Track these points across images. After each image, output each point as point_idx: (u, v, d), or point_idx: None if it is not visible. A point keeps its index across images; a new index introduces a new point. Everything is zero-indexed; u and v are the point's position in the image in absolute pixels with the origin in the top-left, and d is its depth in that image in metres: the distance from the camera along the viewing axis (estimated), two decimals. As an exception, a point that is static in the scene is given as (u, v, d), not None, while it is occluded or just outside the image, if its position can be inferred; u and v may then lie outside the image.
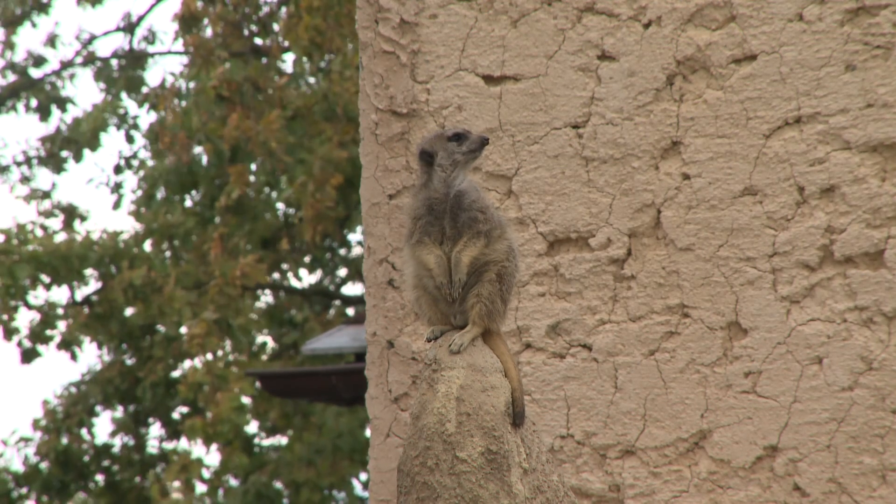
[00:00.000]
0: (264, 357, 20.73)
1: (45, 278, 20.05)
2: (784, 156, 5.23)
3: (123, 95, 21.39)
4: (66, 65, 21.69)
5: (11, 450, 21.42)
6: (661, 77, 5.35)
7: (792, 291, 5.22)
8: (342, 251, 21.89)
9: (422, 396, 4.04)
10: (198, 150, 19.23)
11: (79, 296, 20.67)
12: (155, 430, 22.04)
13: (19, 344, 20.32)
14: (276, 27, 18.30)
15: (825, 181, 5.20)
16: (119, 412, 21.75)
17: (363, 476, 19.98)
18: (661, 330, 5.33)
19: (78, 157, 21.65)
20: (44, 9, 21.20)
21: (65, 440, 21.10)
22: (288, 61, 19.32)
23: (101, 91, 21.30)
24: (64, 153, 21.68)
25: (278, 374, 16.70)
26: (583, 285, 5.41)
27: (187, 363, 20.57)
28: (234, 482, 20.36)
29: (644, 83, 5.36)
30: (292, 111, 17.75)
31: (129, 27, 21.36)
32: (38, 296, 20.42)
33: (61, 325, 20.55)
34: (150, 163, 21.14)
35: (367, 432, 5.75)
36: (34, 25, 21.47)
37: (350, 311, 20.83)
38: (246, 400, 18.77)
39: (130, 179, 21.93)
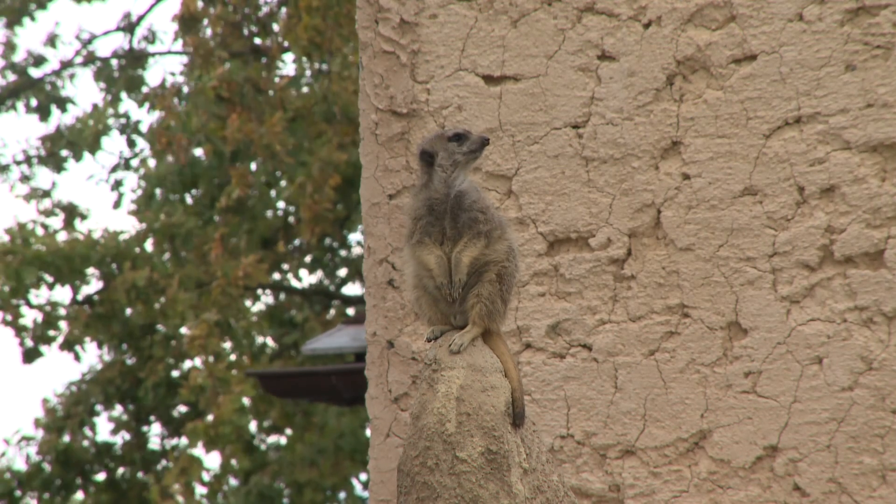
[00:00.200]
0: (265, 358, 20.73)
1: (49, 278, 20.08)
2: (784, 156, 5.23)
3: (123, 95, 21.39)
4: (66, 65, 21.70)
5: (14, 449, 21.44)
6: (661, 77, 5.35)
7: (792, 291, 5.22)
8: (342, 251, 21.90)
9: (422, 396, 4.04)
10: (198, 151, 19.23)
11: (80, 296, 20.68)
12: (156, 428, 22.06)
13: (21, 343, 20.34)
14: (276, 27, 18.30)
15: (825, 181, 5.20)
16: (119, 412, 21.75)
17: (363, 476, 19.99)
18: (661, 330, 5.33)
19: (78, 157, 21.65)
20: (42, 4, 21.20)
21: (66, 438, 21.12)
22: (288, 62, 19.34)
23: (100, 90, 21.31)
24: (64, 152, 21.69)
25: (278, 374, 16.69)
26: (583, 285, 5.41)
27: (188, 364, 20.59)
28: (233, 482, 20.37)
29: (644, 83, 5.36)
30: (292, 112, 17.75)
31: (129, 27, 21.36)
32: (39, 295, 20.44)
33: (63, 326, 20.56)
34: (150, 162, 21.14)
35: (368, 432, 5.75)
36: (33, 19, 21.45)
37: (350, 311, 20.83)
38: (245, 401, 18.78)
39: (131, 178, 21.92)
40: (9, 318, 20.00)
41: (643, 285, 5.35)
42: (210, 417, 17.92)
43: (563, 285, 5.43)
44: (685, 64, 5.33)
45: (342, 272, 22.06)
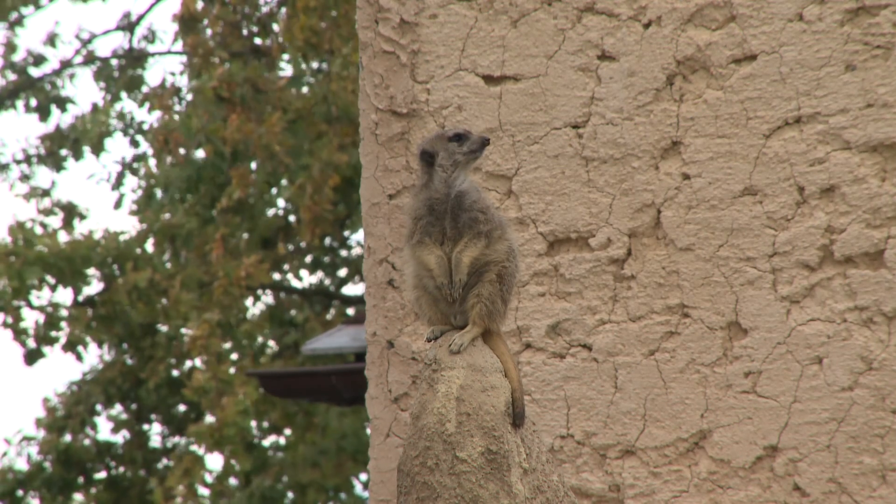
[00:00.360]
0: (265, 359, 20.74)
1: (51, 279, 20.10)
2: (784, 156, 5.23)
3: (123, 95, 21.39)
4: (65, 64, 21.69)
5: (15, 449, 21.45)
6: (661, 77, 5.35)
7: (792, 291, 5.22)
8: (342, 251, 21.90)
9: (422, 396, 4.04)
10: (199, 152, 19.23)
11: (82, 297, 20.69)
12: (157, 427, 22.07)
13: (23, 345, 20.35)
14: (276, 27, 18.29)
15: (825, 181, 5.20)
16: (119, 412, 21.75)
17: (364, 476, 19.98)
18: (661, 330, 5.33)
19: (78, 156, 21.65)
20: (36, 4, 21.21)
21: (68, 437, 21.12)
22: (286, 62, 19.34)
23: (100, 90, 21.31)
24: (63, 151, 21.69)
25: (279, 374, 16.69)
26: (583, 285, 5.41)
27: (188, 364, 20.59)
28: (233, 481, 20.36)
29: (644, 83, 5.36)
30: (292, 113, 17.75)
31: (129, 26, 21.35)
32: (41, 296, 20.45)
33: (65, 327, 20.57)
34: (151, 162, 21.14)
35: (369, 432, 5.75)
36: (21, 18, 21.44)
37: (350, 311, 20.83)
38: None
39: (131, 178, 21.92)
40: (10, 320, 20.02)
41: (643, 285, 5.35)
42: (211, 419, 17.93)
43: (563, 285, 5.43)
44: (685, 64, 5.33)
45: (342, 272, 22.07)
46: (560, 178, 5.44)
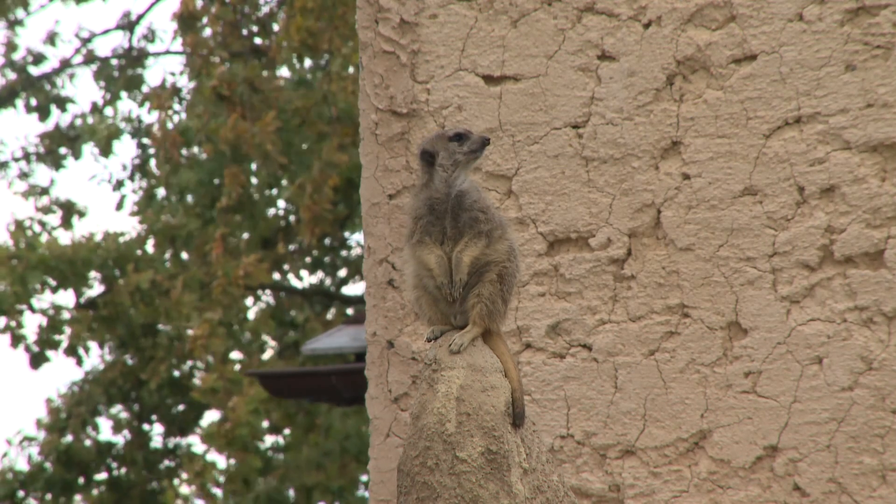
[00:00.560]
0: (271, 360, 20.74)
1: (52, 282, 20.12)
2: (784, 156, 5.24)
3: (123, 95, 21.39)
4: (65, 64, 21.69)
5: (16, 450, 21.45)
6: (661, 77, 5.35)
7: (792, 291, 5.22)
8: (342, 251, 21.90)
9: (422, 396, 4.04)
10: (199, 152, 19.23)
11: (83, 299, 20.70)
12: (158, 427, 22.07)
13: (27, 349, 20.37)
14: (275, 27, 18.29)
15: (825, 181, 5.20)
16: (120, 413, 21.75)
17: (363, 477, 19.98)
18: (661, 330, 5.33)
19: (77, 155, 21.66)
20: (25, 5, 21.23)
21: (69, 437, 21.12)
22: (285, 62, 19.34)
23: (100, 88, 21.30)
24: (62, 150, 21.70)
25: (278, 374, 16.70)
26: (583, 285, 5.41)
27: (189, 363, 20.59)
28: (220, 479, 20.38)
29: (644, 83, 5.36)
30: (291, 112, 17.74)
31: (129, 25, 21.35)
32: (42, 299, 20.47)
33: (68, 330, 20.58)
34: (151, 162, 21.14)
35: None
36: (20, 19, 21.45)
37: (350, 311, 20.83)
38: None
39: (141, 181, 21.92)
40: (13, 324, 20.05)
41: (643, 285, 5.35)
42: (216, 418, 17.95)
43: (563, 285, 5.43)
44: (685, 64, 5.33)
45: (342, 272, 22.07)
46: (560, 178, 5.44)
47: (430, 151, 4.14)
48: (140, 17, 21.42)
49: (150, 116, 20.93)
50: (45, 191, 21.84)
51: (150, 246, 20.59)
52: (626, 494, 5.34)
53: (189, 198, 20.09)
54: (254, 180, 19.37)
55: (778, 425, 5.21)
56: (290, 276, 21.88)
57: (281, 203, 20.43)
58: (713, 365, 5.28)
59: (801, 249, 5.22)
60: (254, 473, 19.71)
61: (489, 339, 4.11)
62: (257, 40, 18.64)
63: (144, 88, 20.97)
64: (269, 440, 21.21)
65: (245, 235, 19.49)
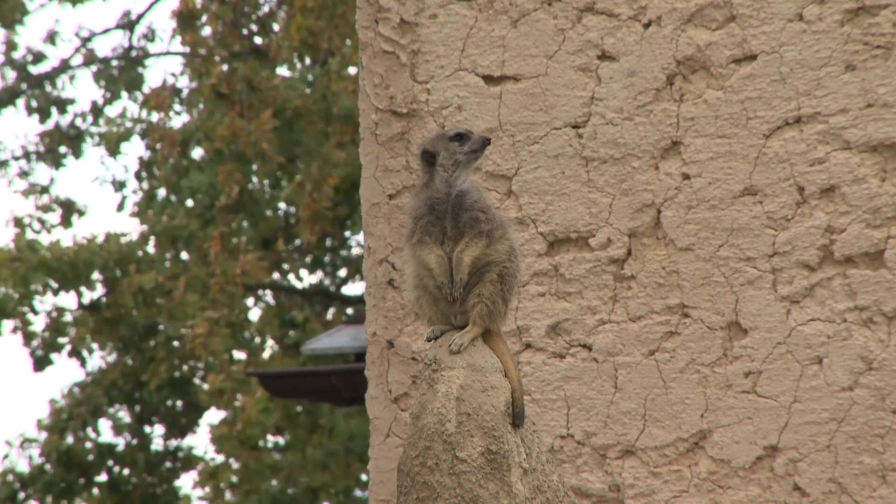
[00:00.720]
0: (273, 359, 20.75)
1: (54, 284, 20.14)
2: (784, 156, 5.24)
3: (124, 95, 21.39)
4: (65, 64, 21.68)
5: (17, 451, 21.46)
6: (661, 77, 5.35)
7: (792, 291, 5.22)
8: (342, 251, 21.91)
9: (422, 396, 4.04)
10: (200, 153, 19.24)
11: (86, 300, 20.72)
12: (159, 429, 22.07)
13: (32, 353, 20.40)
14: (276, 27, 18.29)
15: (825, 181, 5.20)
16: (118, 413, 21.74)
17: (364, 477, 19.99)
18: (661, 330, 5.33)
19: (77, 154, 21.66)
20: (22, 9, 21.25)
21: (70, 439, 21.13)
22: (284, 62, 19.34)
23: (100, 88, 21.30)
24: (63, 149, 21.70)
25: (278, 373, 16.70)
26: (583, 285, 5.41)
27: (193, 364, 20.59)
28: (233, 479, 20.38)
29: (644, 83, 5.36)
30: (290, 111, 17.73)
31: (129, 25, 21.35)
32: (44, 300, 20.49)
33: (71, 332, 20.61)
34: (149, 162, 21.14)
35: (371, 432, 5.75)
36: (19, 19, 21.46)
37: (350, 311, 20.83)
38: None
39: (133, 180, 21.95)
40: (19, 324, 20.09)
41: (643, 285, 5.35)
42: (216, 419, 17.97)
43: (563, 285, 5.43)
44: (685, 64, 5.33)
45: (342, 272, 22.07)
46: (560, 178, 5.44)
47: (431, 151, 4.14)
48: (140, 16, 21.43)
49: (152, 117, 20.94)
50: (44, 189, 21.85)
51: (150, 247, 20.60)
52: (626, 494, 5.34)
53: (192, 199, 20.08)
54: (254, 180, 19.36)
55: (778, 425, 5.21)
56: (290, 276, 21.89)
57: (281, 203, 20.43)
58: (713, 365, 5.28)
59: (801, 249, 5.22)
60: (268, 471, 19.73)
61: (489, 339, 4.11)
62: (257, 40, 18.64)
63: (145, 89, 20.98)
64: (270, 441, 21.22)
65: (245, 232, 19.48)
